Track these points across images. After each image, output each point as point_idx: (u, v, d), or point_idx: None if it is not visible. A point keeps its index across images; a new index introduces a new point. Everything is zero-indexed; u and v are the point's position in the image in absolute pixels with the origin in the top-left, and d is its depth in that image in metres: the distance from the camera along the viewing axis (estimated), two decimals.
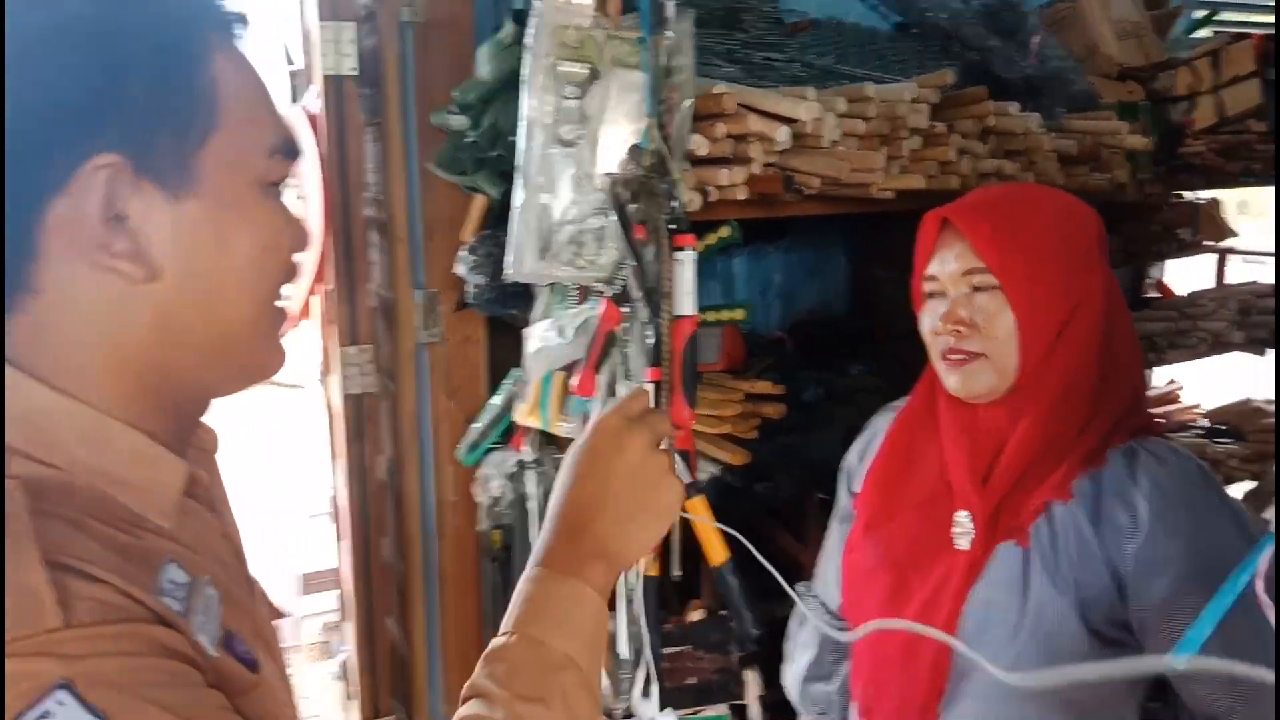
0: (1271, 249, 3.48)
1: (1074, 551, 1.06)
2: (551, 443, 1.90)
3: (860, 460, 1.35)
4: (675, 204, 1.43)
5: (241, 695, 0.63)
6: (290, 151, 0.72)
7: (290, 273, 0.73)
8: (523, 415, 1.81)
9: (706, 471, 1.70)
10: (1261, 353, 2.89)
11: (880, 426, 1.34)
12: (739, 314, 1.62)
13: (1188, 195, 2.94)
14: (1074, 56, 2.46)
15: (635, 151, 1.42)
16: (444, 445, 2.02)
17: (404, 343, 1.98)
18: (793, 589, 1.45)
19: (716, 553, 1.50)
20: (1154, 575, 1.02)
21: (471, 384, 2.03)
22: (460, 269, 1.80)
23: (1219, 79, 2.75)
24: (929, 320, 1.17)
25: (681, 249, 1.43)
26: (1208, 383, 3.60)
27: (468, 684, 0.71)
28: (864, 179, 1.93)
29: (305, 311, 2.05)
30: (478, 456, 1.94)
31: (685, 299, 1.43)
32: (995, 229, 1.10)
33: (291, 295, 1.42)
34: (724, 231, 1.55)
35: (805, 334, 2.34)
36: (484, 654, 0.73)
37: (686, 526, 1.52)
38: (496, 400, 1.93)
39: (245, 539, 0.83)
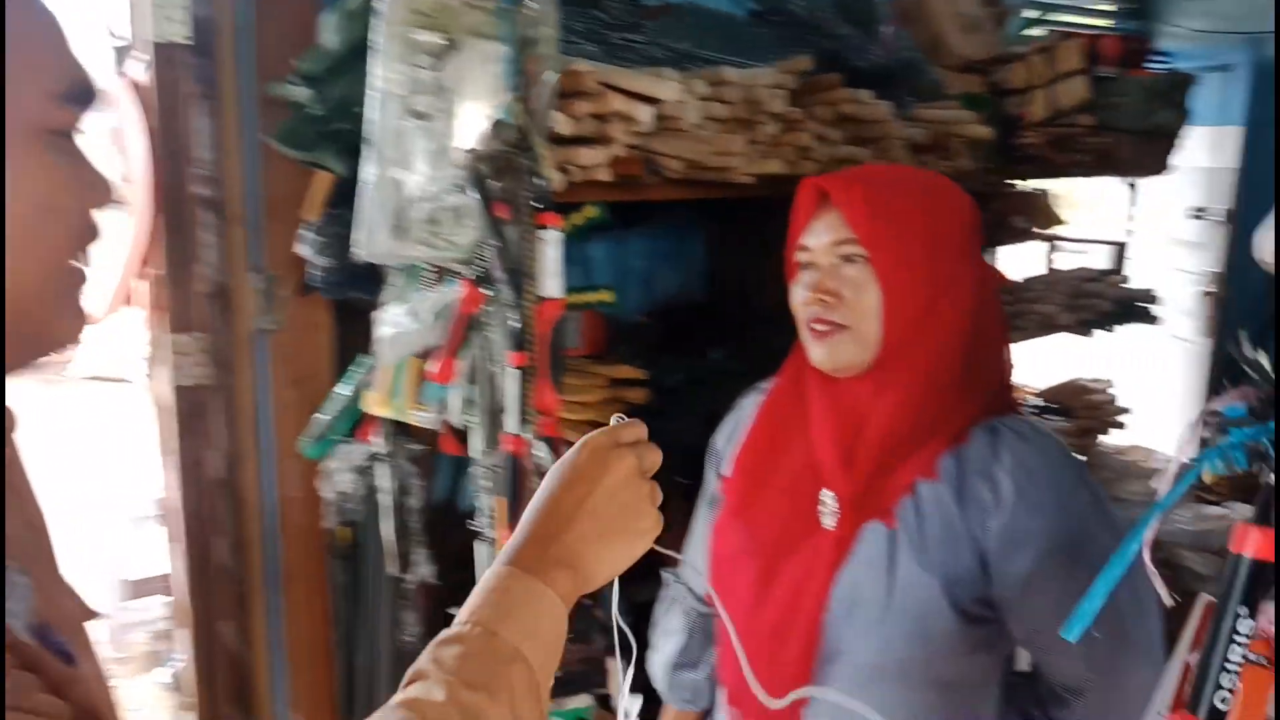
0: (1092, 238, 3.70)
1: (940, 530, 1.06)
2: (404, 433, 1.81)
3: (728, 442, 1.32)
4: (539, 181, 1.36)
5: (57, 689, 0.55)
6: (83, 97, 0.62)
7: (88, 232, 0.63)
8: (373, 405, 1.71)
9: None
10: (1088, 334, 3.06)
11: (748, 407, 1.32)
12: (606, 296, 1.57)
13: (1021, 185, 3.08)
14: (920, 48, 2.52)
15: (497, 125, 1.35)
16: (286, 439, 1.90)
17: (240, 330, 1.84)
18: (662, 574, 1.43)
19: None
20: (1016, 552, 1.04)
21: (316, 373, 1.92)
22: (303, 250, 1.68)
23: (1051, 74, 2.89)
24: (799, 292, 1.15)
25: (546, 228, 1.36)
26: (1036, 363, 3.80)
27: (412, 668, 0.68)
28: (725, 163, 1.92)
29: (128, 298, 1.88)
30: (324, 450, 1.83)
31: (551, 280, 1.37)
32: (869, 201, 1.09)
33: (99, 257, 1.27)
34: (591, 211, 1.50)
35: (667, 319, 2.31)
36: (433, 641, 0.70)
37: None
38: (344, 390, 1.82)
39: (56, 536, 0.72)
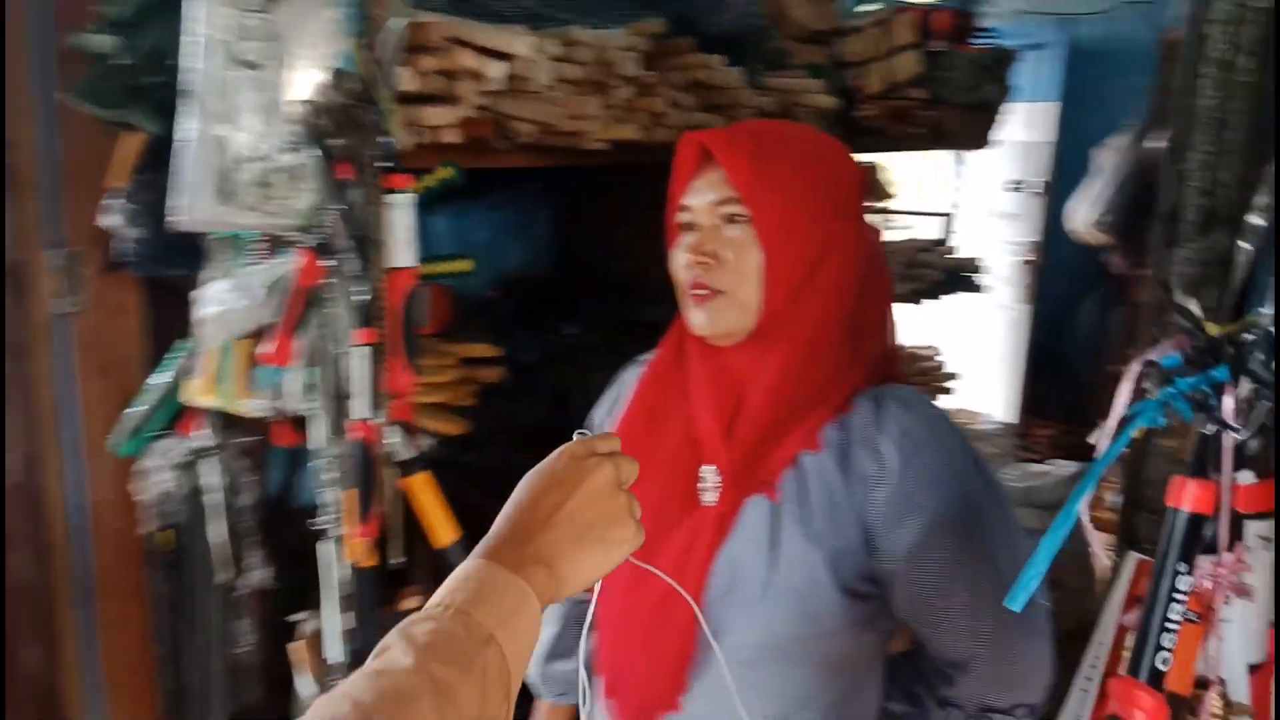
0: (916, 210, 3.83)
1: (823, 502, 1.02)
2: (234, 425, 1.64)
3: (607, 417, 1.24)
4: (386, 139, 1.24)
5: None
6: None
7: None
8: (196, 394, 1.54)
9: (420, 445, 1.53)
10: (918, 302, 3.14)
11: (628, 381, 1.24)
12: (464, 266, 1.45)
13: (857, 158, 3.13)
14: (765, 16, 2.50)
15: (337, 76, 1.21)
16: (94, 435, 1.70)
17: (36, 314, 1.63)
18: None
19: (444, 532, 1.35)
20: (902, 523, 1.00)
21: (126, 360, 1.72)
22: (110, 221, 1.48)
23: (886, 47, 2.94)
24: (679, 255, 1.08)
25: (396, 191, 1.24)
26: None
27: (378, 645, 0.66)
28: (578, 127, 1.83)
29: None
30: (138, 446, 1.64)
31: (402, 248, 1.25)
32: (752, 158, 1.03)
33: None
34: (444, 172, 1.38)
35: (516, 293, 2.20)
36: (401, 623, 0.67)
37: (410, 509, 1.35)
38: (160, 378, 1.63)
39: None
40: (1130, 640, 0.67)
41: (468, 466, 2.46)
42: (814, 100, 2.40)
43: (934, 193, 3.69)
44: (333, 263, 1.30)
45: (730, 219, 1.04)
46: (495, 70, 1.64)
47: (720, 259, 1.04)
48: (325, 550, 1.36)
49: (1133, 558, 0.71)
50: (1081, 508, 0.68)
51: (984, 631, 0.99)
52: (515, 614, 0.68)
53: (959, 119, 3.20)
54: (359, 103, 1.23)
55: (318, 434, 1.35)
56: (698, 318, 1.06)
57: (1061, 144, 4.09)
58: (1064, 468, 3.26)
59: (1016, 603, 0.68)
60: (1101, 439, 0.67)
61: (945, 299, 3.21)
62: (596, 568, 0.77)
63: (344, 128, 1.24)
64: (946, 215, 3.66)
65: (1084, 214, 3.75)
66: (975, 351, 4.24)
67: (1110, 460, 0.66)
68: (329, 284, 1.31)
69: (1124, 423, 0.67)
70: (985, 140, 3.36)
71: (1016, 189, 4.23)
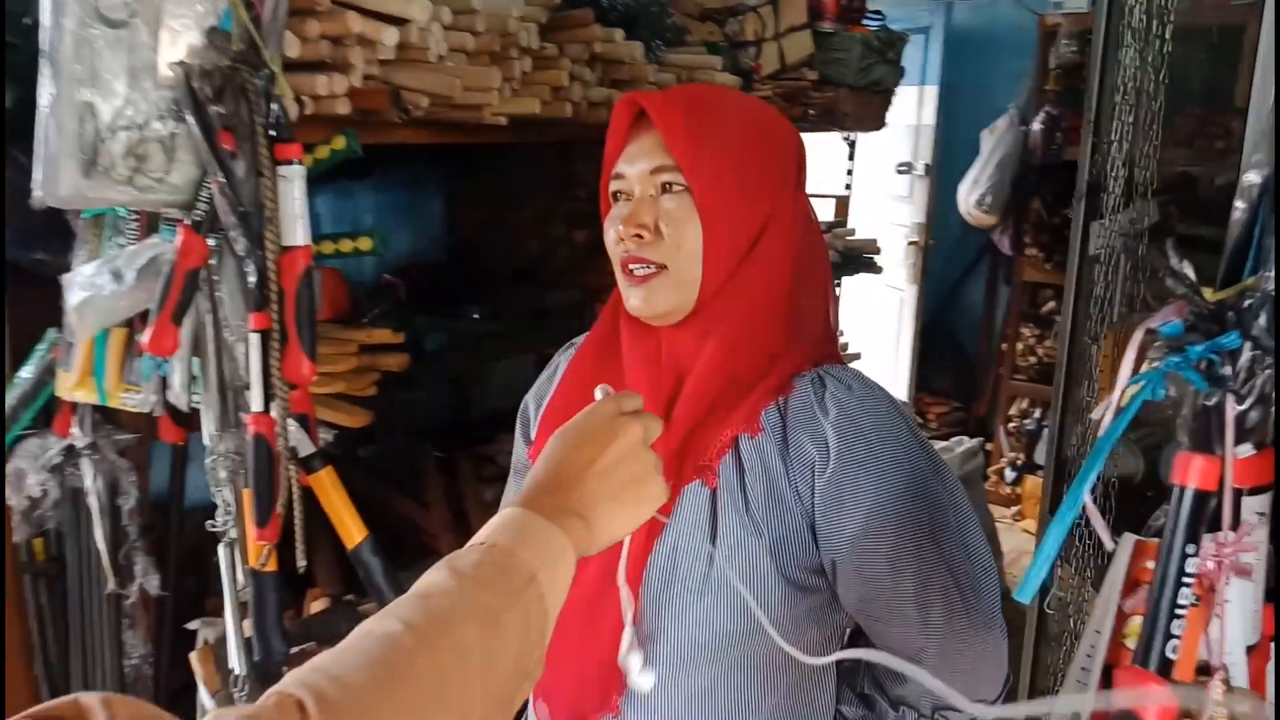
0: (812, 192, 3.85)
1: (763, 489, 0.96)
2: (110, 420, 1.51)
3: (539, 404, 1.16)
4: (274, 105, 1.14)
5: None
6: None
7: None
8: (68, 388, 1.41)
9: (321, 439, 1.43)
10: None
11: (561, 365, 1.16)
12: (367, 243, 1.34)
13: None
14: None
15: (215, 34, 1.11)
16: None
17: None
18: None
19: (353, 531, 1.26)
20: (845, 509, 0.94)
21: None
22: None
23: (779, 28, 2.93)
24: (612, 228, 1.01)
25: (287, 162, 1.14)
26: None
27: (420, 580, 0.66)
28: (478, 99, 1.74)
29: None
30: (5, 446, 1.49)
31: (295, 224, 1.16)
32: (689, 122, 0.97)
33: None
34: (338, 142, 1.28)
35: (415, 278, 2.10)
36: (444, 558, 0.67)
37: (312, 507, 1.26)
38: (25, 373, 1.48)
39: None
40: (1128, 628, 0.64)
41: (365, 460, 2.36)
42: (715, 78, 2.36)
43: (828, 175, 3.71)
44: (217, 241, 1.19)
45: (667, 188, 0.97)
46: (389, 37, 1.55)
47: (657, 232, 0.97)
48: (222, 554, 1.26)
49: (1129, 539, 0.67)
50: (1086, 490, 0.64)
51: (934, 623, 0.94)
52: (555, 562, 0.69)
53: (852, 100, 3.22)
54: (242, 65, 1.12)
55: (207, 429, 1.24)
56: (634, 296, 0.99)
57: (944, 127, 4.19)
58: (965, 444, 3.33)
59: (1026, 594, 0.64)
60: (1106, 414, 0.63)
61: (844, 280, 3.24)
62: (627, 522, 0.78)
63: (225, 93, 1.13)
64: (843, 197, 3.69)
65: (968, 195, 3.85)
66: (871, 331, 4.31)
67: (1117, 436, 0.62)
68: (214, 265, 1.20)
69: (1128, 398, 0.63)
70: (878, 122, 3.40)
71: (906, 171, 4.31)
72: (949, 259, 4.36)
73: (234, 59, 1.12)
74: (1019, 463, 3.87)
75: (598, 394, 0.86)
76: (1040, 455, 3.88)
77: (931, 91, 4.18)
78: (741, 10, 2.88)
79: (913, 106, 4.20)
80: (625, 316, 1.03)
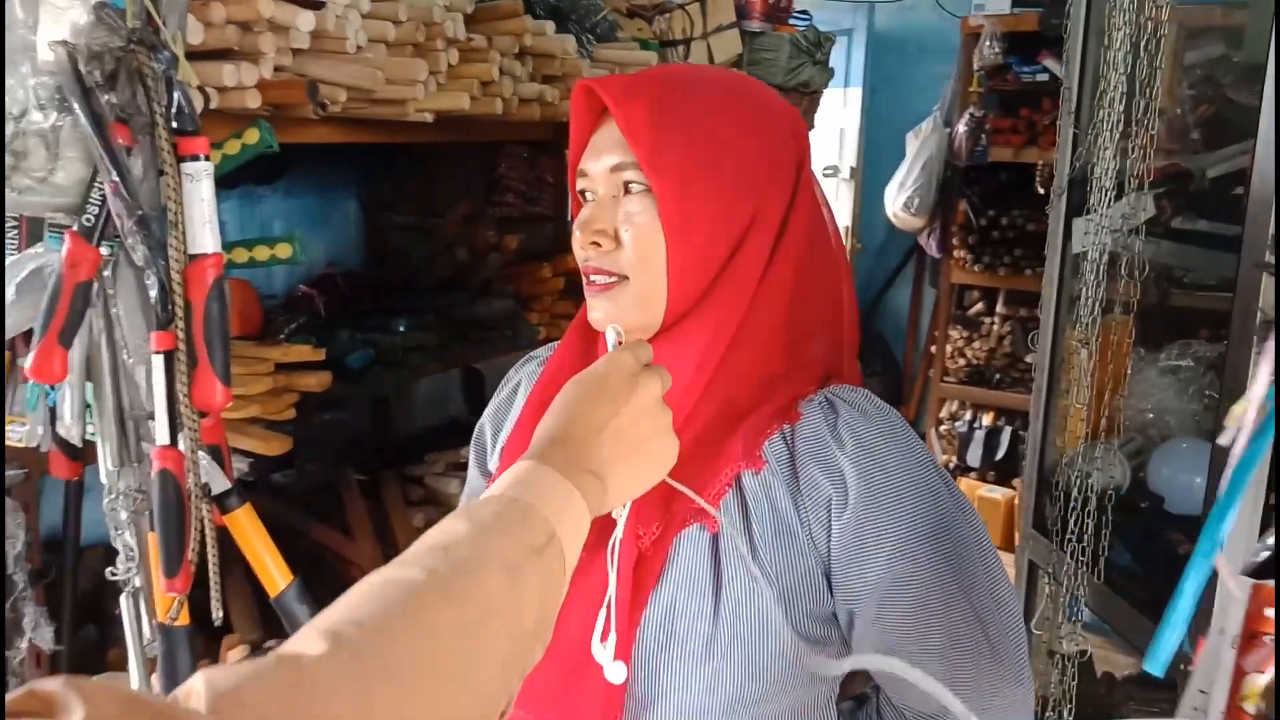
0: None
1: (771, 531, 0.84)
2: None
3: (497, 428, 1.02)
4: (176, 93, 0.99)
5: None
6: None
7: None
8: None
9: (236, 472, 1.27)
10: None
11: (521, 382, 1.02)
12: (286, 250, 1.19)
13: None
14: None
15: (105, 11, 0.96)
16: None
17: None
18: None
19: (275, 577, 1.11)
20: (867, 555, 0.82)
21: None
22: None
23: (707, 27, 2.86)
24: (574, 232, 0.88)
25: (192, 158, 1.00)
26: None
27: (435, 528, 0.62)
28: (401, 93, 1.61)
29: None
30: None
31: (203, 229, 1.01)
32: (653, 111, 0.83)
33: None
34: (251, 135, 1.13)
35: (332, 289, 1.95)
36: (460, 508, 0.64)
37: (227, 546, 1.10)
38: None
39: None
40: (1248, 688, 0.53)
41: (280, 486, 2.19)
42: None
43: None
44: (111, 250, 1.03)
45: (628, 187, 0.86)
46: (302, 22, 1.41)
47: (617, 238, 0.85)
48: (126, 604, 1.10)
49: (1245, 583, 0.56)
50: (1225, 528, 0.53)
51: (962, 680, 0.82)
52: (573, 523, 0.65)
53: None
54: (138, 46, 0.98)
55: (104, 465, 1.08)
56: (594, 309, 0.86)
57: (868, 130, 4.17)
58: None
59: (1157, 666, 0.52)
60: (1238, 437, 0.51)
61: None
62: (640, 484, 0.75)
63: (119, 78, 0.98)
64: None
65: (894, 198, 3.84)
66: None
67: (1257, 462, 0.50)
68: (108, 278, 1.04)
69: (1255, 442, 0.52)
70: (807, 124, 3.35)
71: (833, 175, 4.28)
72: (876, 262, 4.35)
73: (128, 39, 0.97)
74: (951, 465, 3.86)
75: (609, 336, 0.81)
76: (972, 457, 3.89)
77: (855, 94, 4.16)
78: (669, 8, 2.79)
79: (837, 109, 4.17)
80: (601, 334, 0.90)
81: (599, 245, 0.84)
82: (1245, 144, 1.05)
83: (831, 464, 0.84)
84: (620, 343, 0.83)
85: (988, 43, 3.51)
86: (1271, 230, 0.80)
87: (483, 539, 0.59)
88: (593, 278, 0.85)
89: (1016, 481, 3.73)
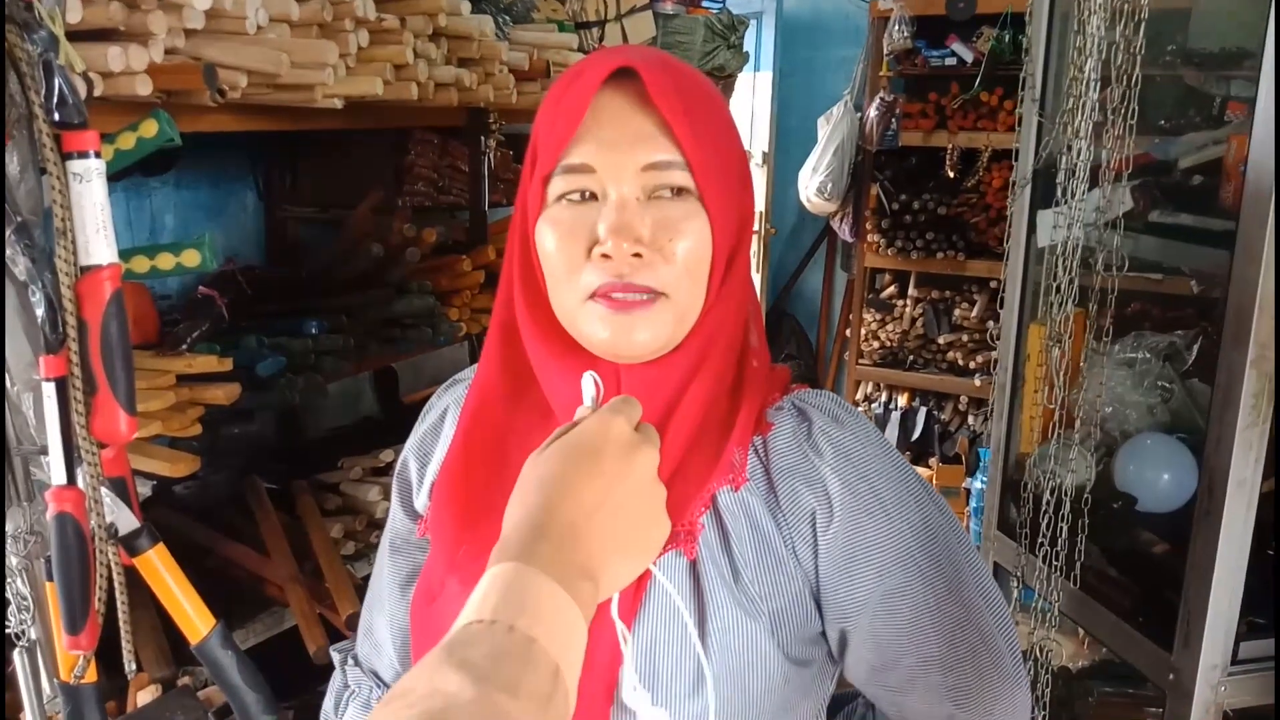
0: None
1: (753, 551, 0.78)
2: None
3: (423, 462, 0.91)
4: (58, 80, 0.86)
5: None
6: None
7: None
8: None
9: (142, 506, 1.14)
10: None
11: (449, 409, 0.92)
12: (193, 257, 1.04)
13: None
14: None
15: None
16: None
17: None
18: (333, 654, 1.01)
19: (195, 623, 1.00)
20: (856, 568, 0.78)
21: None
22: None
23: (620, 9, 2.77)
24: (565, 241, 0.76)
25: (81, 155, 0.87)
26: None
27: (405, 677, 0.51)
28: (308, 78, 1.48)
29: None
30: None
31: (96, 237, 0.89)
32: (687, 100, 0.74)
33: None
34: (148, 128, 1.00)
35: (233, 290, 1.80)
36: (442, 642, 0.53)
37: (133, 581, 0.98)
38: None
39: None
40: None
41: (181, 499, 2.03)
42: (570, 59, 2.17)
43: None
44: None
45: (655, 192, 0.74)
46: (198, 0, 1.27)
47: (660, 248, 0.73)
48: (20, 661, 0.97)
49: None
50: None
51: (963, 687, 0.79)
52: (575, 648, 0.56)
53: None
54: (10, 25, 0.84)
55: None
56: (610, 329, 0.73)
57: (779, 114, 4.15)
58: None
59: None
60: None
61: None
62: (629, 576, 0.67)
63: None
64: None
65: (807, 183, 3.82)
66: None
67: None
68: None
69: None
70: None
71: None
72: (788, 246, 4.34)
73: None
74: None
75: (587, 388, 0.71)
76: (889, 438, 3.93)
77: (765, 78, 4.13)
78: None
79: (748, 93, 4.13)
80: (549, 345, 0.80)
81: (640, 257, 0.72)
82: (1215, 133, 1.03)
83: (812, 475, 0.78)
84: (599, 394, 0.72)
85: (897, 27, 3.51)
86: (1270, 225, 0.77)
87: (488, 700, 0.49)
88: (619, 294, 0.73)
89: (933, 461, 3.78)
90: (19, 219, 0.88)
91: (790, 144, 4.12)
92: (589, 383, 0.71)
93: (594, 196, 0.74)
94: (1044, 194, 1.23)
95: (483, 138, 2.08)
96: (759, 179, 4.23)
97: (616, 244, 0.71)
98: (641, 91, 0.73)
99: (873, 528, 0.77)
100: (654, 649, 0.75)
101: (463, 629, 0.54)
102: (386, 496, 1.87)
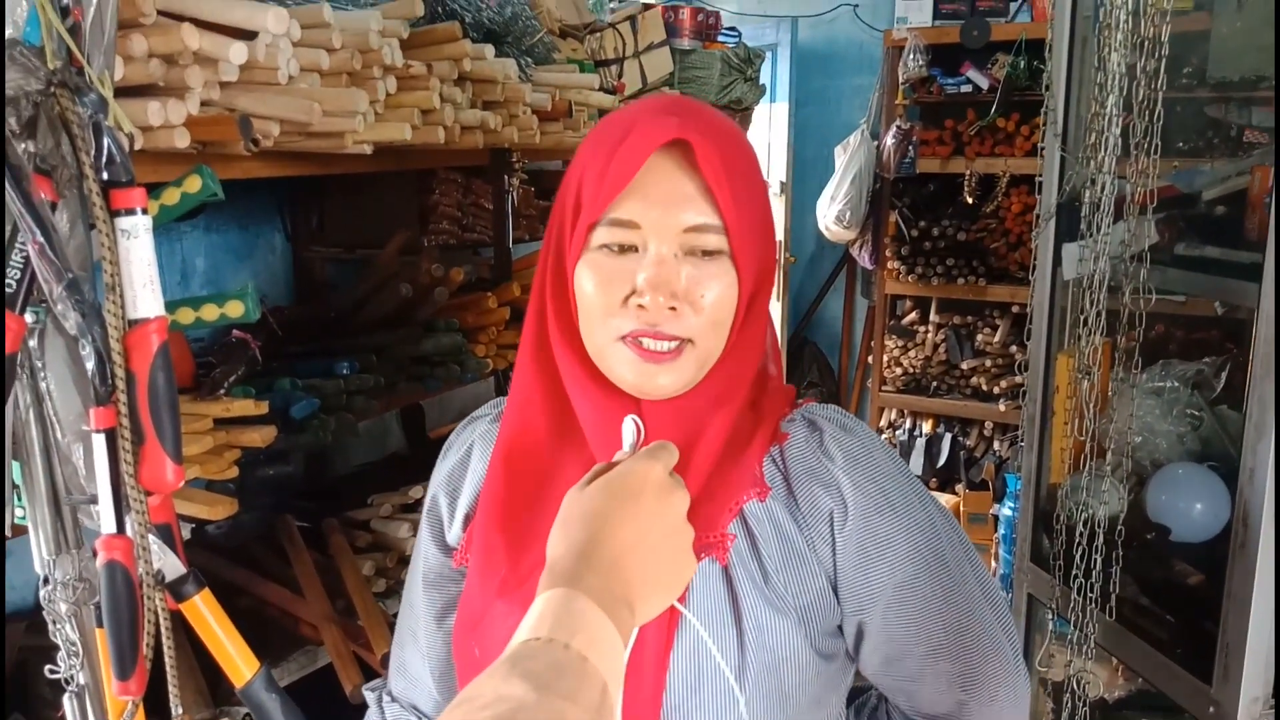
0: None
1: (779, 555, 0.83)
2: None
3: (453, 497, 0.94)
4: (106, 140, 0.89)
5: None
6: None
7: None
8: None
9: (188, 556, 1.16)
10: None
11: (474, 445, 0.95)
12: (237, 308, 1.08)
13: None
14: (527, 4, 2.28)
15: (16, 49, 0.86)
16: None
17: None
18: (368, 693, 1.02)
19: (240, 666, 1.01)
20: (871, 565, 0.84)
21: None
22: None
23: (638, 45, 2.81)
24: (605, 288, 0.79)
25: (128, 212, 0.90)
26: None
27: (469, 686, 0.56)
28: (339, 125, 1.51)
29: None
30: None
31: (144, 292, 0.91)
32: (728, 165, 0.78)
33: None
34: (192, 183, 1.03)
35: (265, 333, 1.83)
36: (503, 656, 0.58)
37: (185, 639, 1.00)
38: None
39: None
40: None
41: (213, 538, 2.05)
42: (591, 99, 2.20)
43: None
44: (36, 318, 0.93)
45: (693, 251, 0.79)
46: (234, 53, 1.31)
47: (692, 303, 0.79)
48: (70, 708, 0.99)
49: None
50: None
51: (972, 676, 0.86)
52: (617, 667, 0.62)
53: None
54: (61, 88, 0.87)
55: (39, 555, 0.97)
56: (640, 374, 0.80)
57: (797, 144, 4.17)
58: None
59: None
60: None
61: None
62: (659, 608, 0.72)
63: (39, 125, 0.88)
64: None
65: (826, 211, 3.84)
66: None
67: None
68: (34, 349, 0.94)
69: None
70: None
71: None
72: (808, 274, 4.36)
73: (48, 81, 0.87)
74: None
75: (628, 432, 0.78)
76: (915, 465, 3.91)
77: (782, 109, 4.16)
78: (599, 27, 2.74)
79: (764, 124, 4.17)
80: (584, 380, 0.84)
81: (674, 310, 0.78)
82: (1238, 164, 1.04)
83: (828, 478, 0.84)
84: (639, 438, 0.79)
85: (911, 55, 3.54)
86: None
87: (550, 705, 0.54)
88: (650, 343, 0.78)
89: (959, 487, 3.76)
90: (70, 275, 0.90)
91: (807, 173, 4.15)
92: (629, 427, 0.77)
93: (634, 248, 0.78)
94: (1068, 226, 1.24)
95: (506, 176, 2.12)
96: (777, 209, 4.25)
97: (654, 298, 0.77)
98: (688, 152, 0.78)
99: (884, 526, 0.84)
100: (699, 654, 0.79)
101: (522, 645, 0.59)
102: (416, 533, 1.90)
